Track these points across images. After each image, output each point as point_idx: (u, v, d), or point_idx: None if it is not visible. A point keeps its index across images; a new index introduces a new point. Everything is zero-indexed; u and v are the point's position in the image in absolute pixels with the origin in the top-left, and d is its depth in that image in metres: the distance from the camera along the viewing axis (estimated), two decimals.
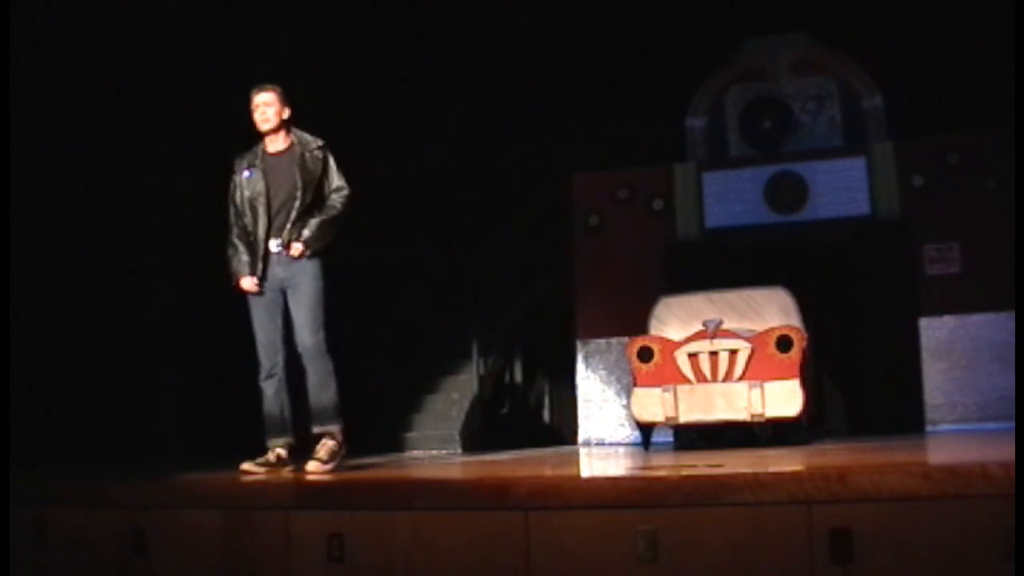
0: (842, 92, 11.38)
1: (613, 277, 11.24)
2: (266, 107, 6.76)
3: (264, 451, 6.66)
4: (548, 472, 6.38)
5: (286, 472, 6.52)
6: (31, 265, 9.74)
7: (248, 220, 6.74)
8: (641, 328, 9.41)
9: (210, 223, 7.11)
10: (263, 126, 6.78)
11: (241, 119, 6.94)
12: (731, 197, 11.24)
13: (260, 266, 6.68)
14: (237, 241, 6.82)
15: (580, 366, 11.37)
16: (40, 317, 9.79)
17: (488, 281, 12.01)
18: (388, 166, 12.56)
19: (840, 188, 10.97)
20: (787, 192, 11.06)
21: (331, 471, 6.43)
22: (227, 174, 6.98)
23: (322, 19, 12.27)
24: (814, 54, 11.48)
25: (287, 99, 6.84)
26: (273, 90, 6.81)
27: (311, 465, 6.46)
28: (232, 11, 11.27)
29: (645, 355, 8.78)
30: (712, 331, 8.64)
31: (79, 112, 10.15)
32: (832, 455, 6.82)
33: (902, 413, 10.25)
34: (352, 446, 6.72)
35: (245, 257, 6.77)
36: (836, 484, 4.54)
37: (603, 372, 11.26)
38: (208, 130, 10.72)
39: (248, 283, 6.73)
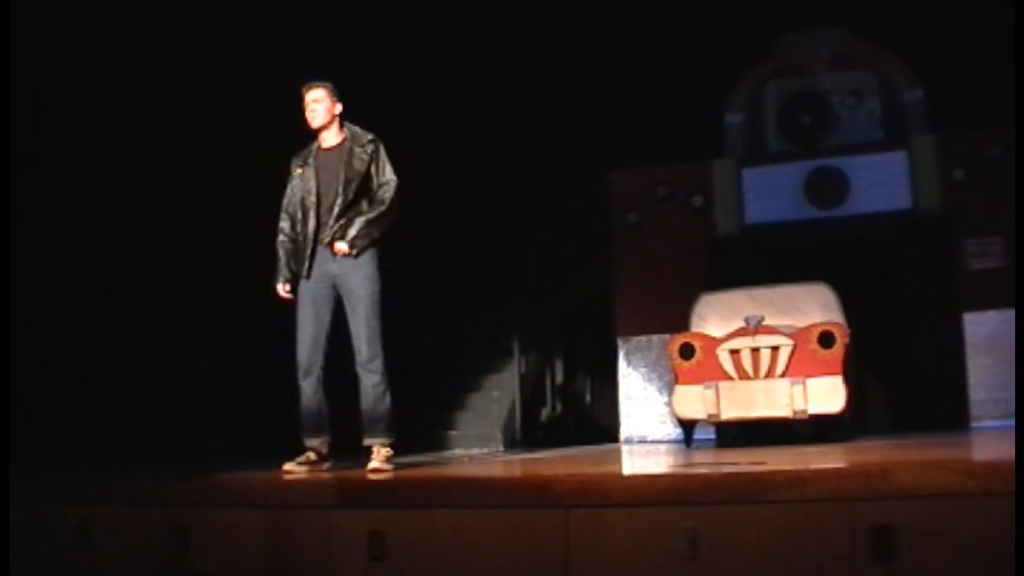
0: (882, 86, 11.30)
1: (653, 274, 11.22)
2: (316, 103, 6.75)
3: (304, 450, 6.69)
4: (589, 470, 6.37)
5: (327, 471, 6.56)
6: (73, 266, 9.86)
7: (299, 219, 6.74)
8: (682, 325, 9.40)
9: (250, 222, 7.15)
10: (313, 123, 6.77)
11: (281, 117, 6.96)
12: (770, 193, 11.19)
13: (307, 265, 6.68)
14: (278, 247, 6.83)
15: (621, 363, 11.36)
16: (83, 318, 9.89)
17: (528, 279, 12.03)
18: (428, 165, 12.58)
19: (880, 183, 10.89)
20: (827, 187, 11.00)
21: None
22: (268, 171, 7.01)
23: (359, 16, 12.30)
24: (853, 48, 11.41)
25: (338, 95, 6.81)
26: (323, 86, 6.78)
27: (373, 464, 6.48)
28: (270, 11, 11.33)
29: (686, 352, 8.77)
30: (753, 327, 8.61)
31: (120, 110, 10.24)
32: (874, 452, 6.78)
33: (945, 409, 10.17)
34: (393, 444, 6.73)
35: (281, 263, 6.79)
36: (878, 481, 4.51)
37: (644, 369, 11.24)
38: (249, 128, 10.80)
39: (280, 290, 6.79)
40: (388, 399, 6.61)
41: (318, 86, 6.79)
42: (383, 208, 6.66)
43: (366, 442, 6.64)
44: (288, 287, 6.78)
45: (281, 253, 6.82)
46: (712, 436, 9.21)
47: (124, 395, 9.96)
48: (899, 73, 11.22)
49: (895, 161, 10.91)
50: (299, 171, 6.83)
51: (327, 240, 6.64)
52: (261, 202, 6.98)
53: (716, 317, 9.22)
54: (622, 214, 11.62)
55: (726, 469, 5.25)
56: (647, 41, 12.31)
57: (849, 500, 4.50)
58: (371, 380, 6.59)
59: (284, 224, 6.85)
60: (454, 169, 13.21)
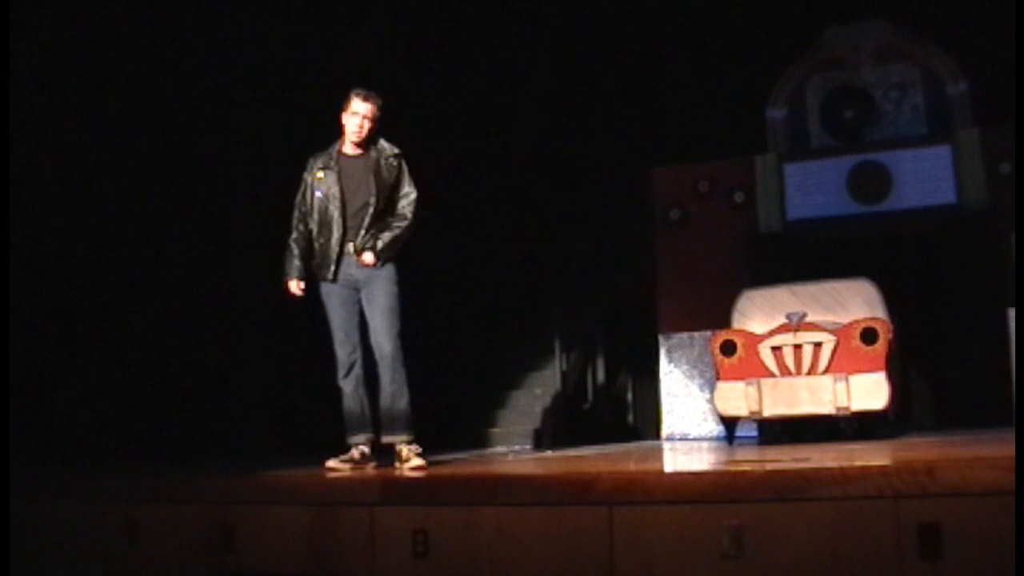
0: (925, 79, 11.20)
1: (695, 271, 11.19)
2: (366, 120, 6.75)
3: (347, 449, 6.73)
4: (632, 467, 6.37)
5: (370, 469, 6.59)
6: (122, 267, 9.95)
7: (316, 221, 6.80)
8: (724, 322, 9.37)
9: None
10: (354, 136, 6.78)
11: (325, 121, 6.97)
12: (813, 188, 11.13)
13: (334, 269, 6.74)
14: (293, 244, 6.88)
15: (663, 360, 11.33)
16: (130, 318, 9.98)
17: (570, 276, 12.02)
18: (470, 162, 12.60)
19: (925, 177, 10.80)
20: (870, 182, 10.92)
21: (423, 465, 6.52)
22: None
23: (402, 17, 12.34)
24: (896, 41, 11.31)
25: (382, 114, 6.82)
26: (377, 104, 6.77)
27: (415, 461, 6.54)
28: (312, 12, 11.38)
29: (728, 349, 8.74)
30: (796, 324, 8.57)
31: (164, 114, 10.33)
32: (919, 449, 6.73)
33: (991, 406, 10.05)
34: (436, 442, 6.76)
35: (297, 261, 6.85)
36: (924, 478, 4.47)
37: (686, 366, 11.21)
38: (291, 130, 10.84)
39: (294, 287, 6.84)
40: (406, 397, 6.66)
41: (375, 103, 6.77)
42: (406, 224, 6.77)
43: (385, 440, 6.72)
44: (302, 284, 6.83)
45: (296, 251, 6.87)
46: (755, 433, 9.18)
47: (171, 394, 10.04)
48: (943, 66, 11.11)
49: (939, 155, 10.82)
50: (320, 174, 6.84)
51: (358, 249, 6.69)
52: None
53: (758, 313, 9.18)
54: (664, 210, 11.60)
55: (770, 466, 5.23)
56: (689, 37, 12.28)
57: (895, 497, 4.46)
58: (390, 378, 6.65)
59: (300, 223, 6.90)
60: (497, 166, 13.22)
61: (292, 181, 7.01)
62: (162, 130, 10.31)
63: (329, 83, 7.11)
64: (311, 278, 6.87)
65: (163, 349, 10.19)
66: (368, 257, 6.66)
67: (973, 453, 5.60)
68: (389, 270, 6.72)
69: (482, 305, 12.80)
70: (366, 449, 6.73)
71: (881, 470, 4.67)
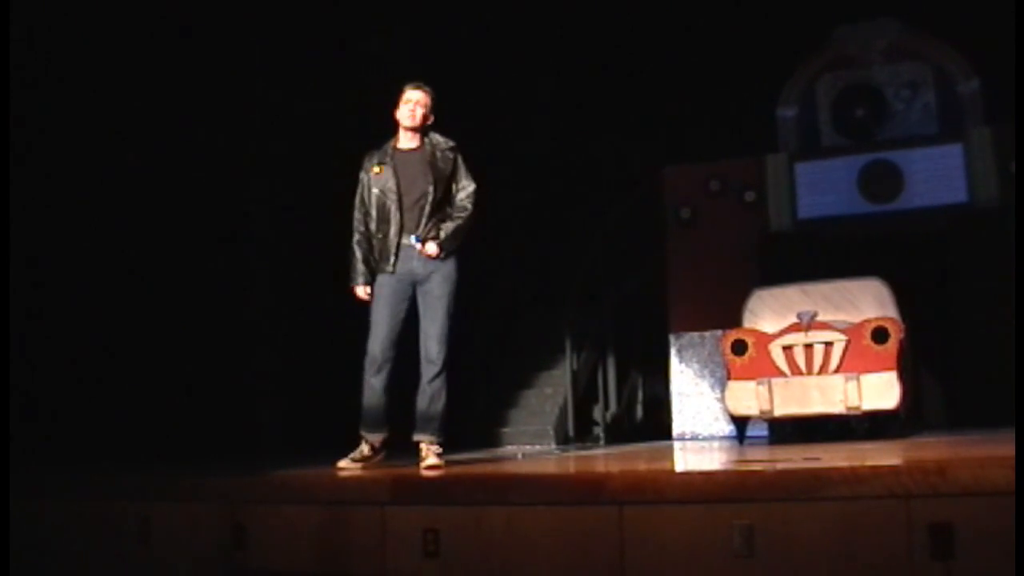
0: (937, 78, 11.17)
1: (706, 270, 11.18)
2: (418, 106, 6.84)
3: (356, 446, 6.74)
4: (642, 466, 6.36)
5: (382, 467, 6.60)
6: (136, 265, 9.97)
7: (375, 217, 6.79)
8: (735, 321, 9.36)
9: (310, 222, 7.19)
10: (407, 122, 6.85)
11: (338, 120, 6.99)
12: (824, 187, 11.11)
13: (393, 261, 6.72)
14: (356, 247, 6.87)
15: (674, 360, 11.33)
16: (143, 315, 10.00)
17: (581, 276, 12.02)
18: (480, 163, 12.59)
19: (936, 176, 10.77)
20: (881, 181, 10.90)
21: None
22: (331, 168, 7.03)
23: (411, 19, 12.33)
24: (907, 40, 11.30)
25: (435, 106, 6.92)
26: (429, 93, 6.89)
27: (430, 460, 6.55)
28: (322, 14, 11.39)
29: (739, 348, 8.73)
30: (806, 323, 8.56)
31: (180, 112, 10.34)
32: (931, 448, 6.72)
33: (1003, 405, 10.01)
34: (447, 441, 6.78)
35: (360, 266, 6.83)
36: (936, 478, 4.46)
37: (697, 366, 11.20)
38: (306, 131, 10.86)
39: (360, 292, 6.83)
40: (444, 399, 6.68)
41: (426, 90, 6.90)
42: (467, 215, 6.83)
43: (416, 438, 6.70)
44: (368, 289, 6.83)
45: (359, 253, 6.87)
46: (765, 433, 9.17)
47: (182, 393, 10.05)
48: (954, 64, 11.09)
49: (951, 154, 10.79)
50: (376, 170, 6.86)
51: (422, 239, 6.70)
52: (323, 199, 7.02)
53: (769, 313, 9.17)
54: (675, 209, 11.60)
55: (781, 466, 5.22)
56: (699, 36, 12.26)
57: (906, 497, 4.45)
58: (433, 378, 6.65)
59: (360, 225, 6.90)
60: (506, 167, 13.20)
61: (311, 180, 7.01)
62: (172, 123, 10.31)
63: (340, 82, 7.11)
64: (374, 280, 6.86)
65: (175, 347, 10.20)
66: (431, 247, 6.66)
67: (985, 453, 5.60)
68: (450, 267, 6.73)
69: (493, 305, 12.80)
70: (377, 446, 6.74)
71: (892, 470, 4.66)
